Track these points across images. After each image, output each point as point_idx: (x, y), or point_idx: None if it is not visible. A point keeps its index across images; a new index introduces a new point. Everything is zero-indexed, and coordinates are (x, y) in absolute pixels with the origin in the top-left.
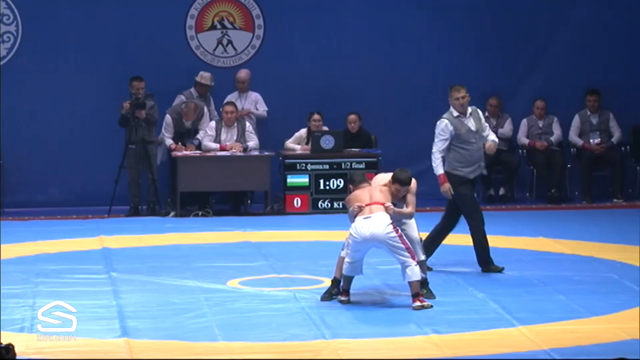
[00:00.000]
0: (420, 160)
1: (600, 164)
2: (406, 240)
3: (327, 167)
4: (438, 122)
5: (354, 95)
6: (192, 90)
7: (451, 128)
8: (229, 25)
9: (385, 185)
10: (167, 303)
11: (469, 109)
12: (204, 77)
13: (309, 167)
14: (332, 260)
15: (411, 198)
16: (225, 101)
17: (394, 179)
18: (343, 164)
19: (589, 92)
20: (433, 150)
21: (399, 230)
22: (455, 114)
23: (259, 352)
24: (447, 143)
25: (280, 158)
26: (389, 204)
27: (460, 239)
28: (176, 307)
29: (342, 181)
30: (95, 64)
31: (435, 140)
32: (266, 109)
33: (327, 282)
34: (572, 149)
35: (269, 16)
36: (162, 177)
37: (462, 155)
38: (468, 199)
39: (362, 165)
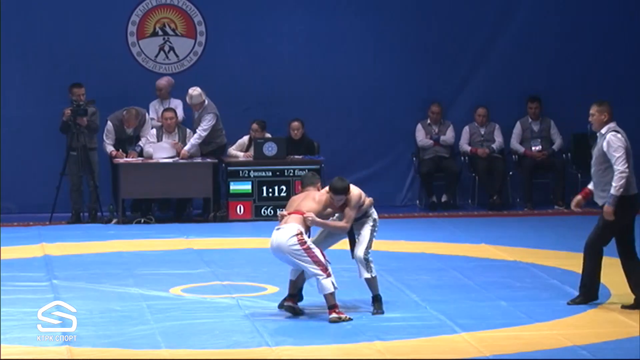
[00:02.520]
0: (361, 167)
1: (541, 171)
2: (316, 253)
3: (270, 174)
4: None
5: (296, 102)
6: None
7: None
8: (171, 32)
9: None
10: (109, 310)
11: (604, 129)
12: (187, 93)
13: (252, 174)
14: (274, 267)
15: (348, 211)
16: (161, 108)
17: (330, 187)
18: (286, 171)
19: (530, 99)
20: None
21: (306, 243)
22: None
23: None
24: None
25: (223, 165)
26: (309, 214)
27: (399, 245)
28: (118, 314)
29: (285, 188)
30: (35, 70)
31: None
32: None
33: (270, 289)
34: (513, 156)
35: (211, 23)
36: (104, 184)
37: None
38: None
39: (305, 172)
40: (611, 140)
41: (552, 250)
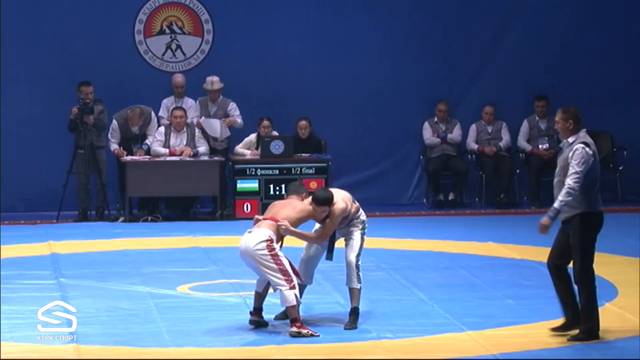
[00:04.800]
0: (368, 165)
1: (548, 169)
2: (284, 262)
3: (277, 172)
4: None
5: (304, 101)
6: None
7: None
8: (178, 30)
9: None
10: (116, 309)
11: (571, 138)
12: (206, 81)
13: (259, 172)
14: None
15: (328, 224)
16: (173, 106)
17: (312, 197)
18: (293, 169)
19: (537, 98)
20: None
21: (275, 250)
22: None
23: (209, 358)
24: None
25: (230, 163)
26: (284, 222)
27: (406, 244)
28: (125, 312)
29: None
30: (43, 69)
31: None
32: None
33: None
34: (520, 154)
35: (218, 21)
36: (111, 182)
37: None
38: None
39: (312, 171)
40: (579, 153)
41: None
